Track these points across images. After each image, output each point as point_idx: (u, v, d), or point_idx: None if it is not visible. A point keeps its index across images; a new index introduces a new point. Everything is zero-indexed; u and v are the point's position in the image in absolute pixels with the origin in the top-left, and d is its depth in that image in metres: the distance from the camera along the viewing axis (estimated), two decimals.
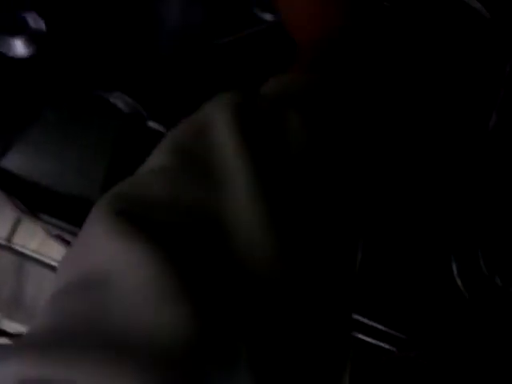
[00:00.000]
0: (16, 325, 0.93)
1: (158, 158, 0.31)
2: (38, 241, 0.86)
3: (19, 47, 0.48)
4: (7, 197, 0.48)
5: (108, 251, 0.25)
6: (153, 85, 0.51)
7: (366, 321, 0.49)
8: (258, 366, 0.25)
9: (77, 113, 0.50)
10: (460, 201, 0.51)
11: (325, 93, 0.35)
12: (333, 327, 0.30)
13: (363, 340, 0.52)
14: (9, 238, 0.88)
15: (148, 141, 0.35)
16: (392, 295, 0.50)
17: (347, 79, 0.38)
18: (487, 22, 0.52)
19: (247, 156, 0.28)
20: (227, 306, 0.25)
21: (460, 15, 0.52)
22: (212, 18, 0.53)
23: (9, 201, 0.48)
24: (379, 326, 0.49)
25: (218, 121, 0.30)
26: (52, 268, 0.86)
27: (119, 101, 0.50)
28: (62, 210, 0.49)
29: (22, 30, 0.48)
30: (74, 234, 0.50)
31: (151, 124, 0.51)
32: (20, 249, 0.87)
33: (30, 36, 0.48)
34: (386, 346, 0.52)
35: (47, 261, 0.88)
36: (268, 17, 0.51)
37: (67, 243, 0.53)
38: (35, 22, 0.48)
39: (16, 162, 0.49)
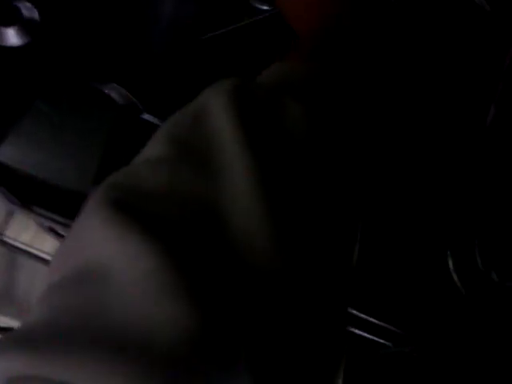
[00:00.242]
0: (6, 319, 0.92)
1: (154, 148, 0.30)
2: (30, 234, 0.85)
3: (12, 37, 0.48)
4: None
5: (104, 243, 0.25)
6: (147, 77, 0.50)
7: (361, 315, 0.49)
8: (255, 362, 0.25)
9: (70, 104, 0.49)
10: (456, 196, 0.50)
11: (325, 82, 0.34)
12: (329, 321, 0.30)
13: (359, 334, 0.52)
14: (0, 231, 0.87)
15: (142, 133, 0.35)
16: (388, 290, 0.49)
17: (347, 68, 0.37)
18: (487, 15, 0.52)
19: (245, 141, 0.28)
20: (226, 300, 0.25)
21: (460, 8, 0.52)
22: (207, 9, 0.52)
23: (0, 193, 0.48)
24: (375, 321, 0.49)
25: (214, 106, 0.29)
26: (45, 261, 0.85)
27: (114, 92, 0.49)
28: (54, 203, 0.49)
29: (16, 20, 0.47)
30: (67, 227, 0.50)
31: (146, 116, 0.50)
32: (12, 242, 0.86)
33: (24, 25, 0.48)
34: (382, 341, 0.52)
35: (40, 254, 0.87)
36: (266, 7, 0.51)
37: (60, 236, 0.53)
38: (29, 11, 0.48)
39: (8, 153, 0.48)
